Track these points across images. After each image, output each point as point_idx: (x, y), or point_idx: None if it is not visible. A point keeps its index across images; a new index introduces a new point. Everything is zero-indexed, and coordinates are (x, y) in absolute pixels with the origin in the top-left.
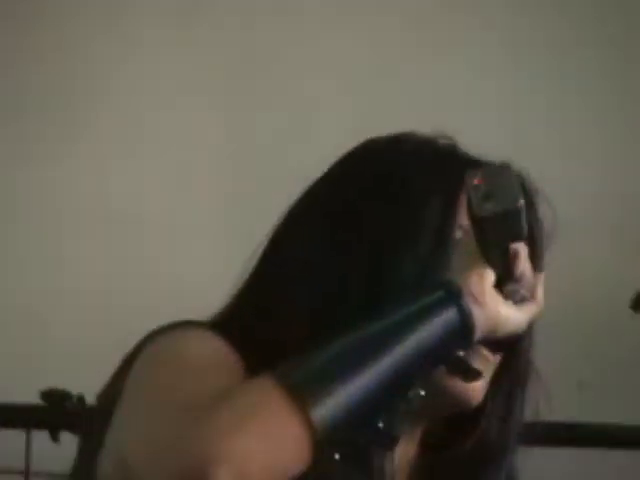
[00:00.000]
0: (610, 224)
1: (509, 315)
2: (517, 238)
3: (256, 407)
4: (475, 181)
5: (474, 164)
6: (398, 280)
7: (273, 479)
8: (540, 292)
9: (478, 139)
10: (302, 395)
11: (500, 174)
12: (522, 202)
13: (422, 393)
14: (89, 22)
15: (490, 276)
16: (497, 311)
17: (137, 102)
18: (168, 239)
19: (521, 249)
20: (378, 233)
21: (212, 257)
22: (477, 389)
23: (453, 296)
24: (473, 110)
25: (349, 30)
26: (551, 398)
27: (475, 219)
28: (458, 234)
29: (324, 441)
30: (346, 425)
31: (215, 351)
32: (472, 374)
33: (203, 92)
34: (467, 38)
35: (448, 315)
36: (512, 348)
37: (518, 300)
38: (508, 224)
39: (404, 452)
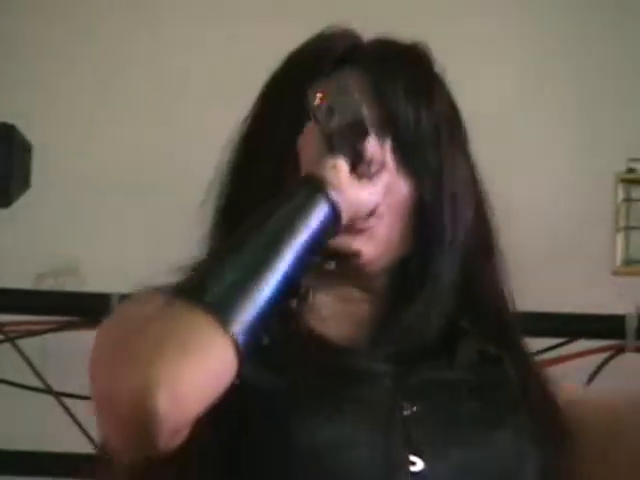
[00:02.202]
0: None
1: (366, 195)
2: (364, 138)
3: (184, 333)
4: (317, 100)
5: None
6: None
7: (205, 396)
8: (388, 158)
9: None
10: (221, 316)
11: (339, 87)
12: (365, 111)
13: (307, 284)
14: None
15: (344, 164)
16: (356, 195)
17: None
18: None
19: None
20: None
21: None
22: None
23: (319, 189)
24: None
25: None
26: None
27: (323, 133)
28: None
29: (245, 351)
30: (259, 328)
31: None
32: (349, 256)
33: None
34: None
35: (321, 209)
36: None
37: (370, 176)
38: (355, 131)
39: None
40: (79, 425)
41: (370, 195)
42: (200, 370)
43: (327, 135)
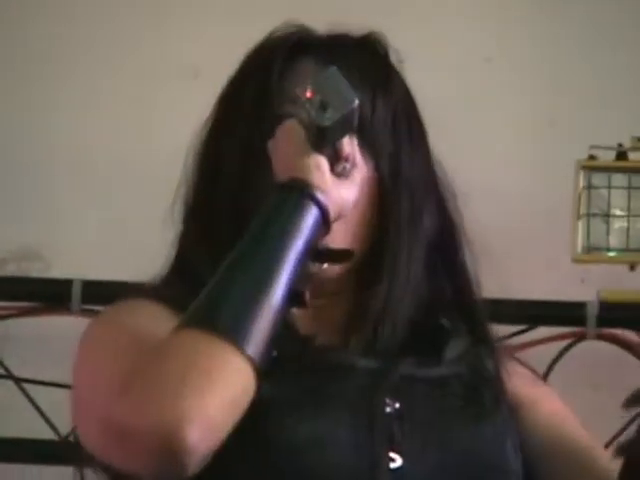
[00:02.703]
0: None
1: (348, 193)
2: (351, 132)
3: (205, 364)
4: (307, 95)
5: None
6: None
7: (231, 421)
8: (357, 155)
9: None
10: (237, 341)
11: (329, 80)
12: (357, 101)
13: (303, 286)
14: None
15: (325, 163)
16: (339, 194)
17: None
18: None
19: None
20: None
21: None
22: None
23: (307, 194)
24: None
25: None
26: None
27: (313, 128)
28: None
29: (262, 368)
30: (270, 344)
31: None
32: (343, 254)
33: None
34: None
35: (312, 213)
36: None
37: (347, 175)
38: (346, 124)
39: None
40: (40, 411)
41: (351, 194)
42: (225, 398)
43: (321, 129)
